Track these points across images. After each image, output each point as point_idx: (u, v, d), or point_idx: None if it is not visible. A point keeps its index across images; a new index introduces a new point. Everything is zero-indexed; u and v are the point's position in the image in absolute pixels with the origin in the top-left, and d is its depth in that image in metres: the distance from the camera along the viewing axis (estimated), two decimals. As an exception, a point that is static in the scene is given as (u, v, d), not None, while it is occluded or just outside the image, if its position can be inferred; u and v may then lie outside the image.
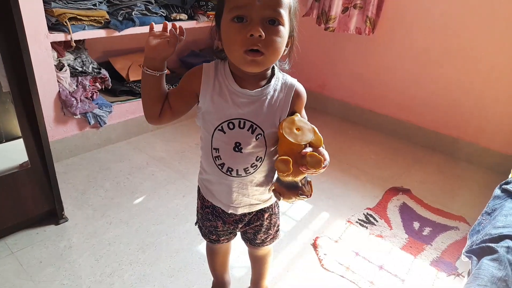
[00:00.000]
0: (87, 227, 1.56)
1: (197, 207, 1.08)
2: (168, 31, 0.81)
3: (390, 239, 1.64)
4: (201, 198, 1.04)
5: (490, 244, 0.96)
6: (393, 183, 2.07)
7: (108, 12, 1.94)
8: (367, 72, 2.67)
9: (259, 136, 0.84)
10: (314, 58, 2.87)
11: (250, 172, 0.89)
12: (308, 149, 0.79)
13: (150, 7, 2.10)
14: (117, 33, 1.97)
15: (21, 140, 1.41)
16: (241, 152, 0.85)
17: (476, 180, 2.17)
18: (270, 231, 1.07)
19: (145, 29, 2.09)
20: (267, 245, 1.11)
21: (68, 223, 1.57)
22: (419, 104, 2.48)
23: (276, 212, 1.07)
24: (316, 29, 2.66)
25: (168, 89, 0.88)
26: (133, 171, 1.98)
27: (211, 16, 2.39)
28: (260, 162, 0.88)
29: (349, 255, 1.53)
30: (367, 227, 1.70)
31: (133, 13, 2.02)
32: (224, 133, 0.84)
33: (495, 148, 2.24)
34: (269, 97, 0.84)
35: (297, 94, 0.87)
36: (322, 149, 0.82)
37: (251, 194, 0.94)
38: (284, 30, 0.76)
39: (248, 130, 0.84)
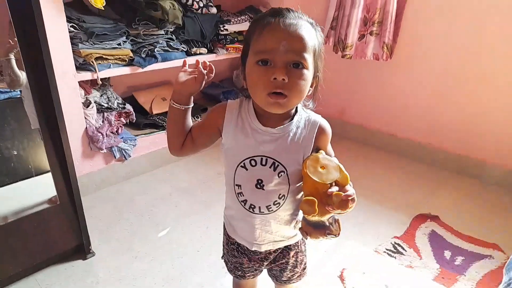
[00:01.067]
0: (113, 262, 1.58)
1: (223, 242, 1.08)
2: (197, 69, 0.84)
3: (421, 269, 1.58)
4: (226, 234, 1.03)
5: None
6: (419, 209, 2.01)
7: (131, 50, 2.02)
8: (387, 97, 2.66)
9: (282, 173, 0.84)
10: (333, 84, 2.88)
11: (272, 210, 0.88)
12: (334, 188, 0.77)
13: (171, 43, 2.18)
14: (140, 70, 2.05)
15: (49, 175, 1.45)
16: (263, 190, 0.85)
17: (506, 205, 2.08)
18: (296, 269, 1.05)
19: (167, 64, 2.16)
20: (293, 282, 1.09)
21: (95, 258, 1.59)
22: (441, 127, 2.44)
23: (303, 250, 1.05)
24: (333, 56, 2.68)
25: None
26: (157, 202, 2.00)
27: (230, 49, 2.45)
28: (283, 200, 0.87)
29: (379, 287, 1.48)
30: (395, 257, 1.65)
31: (155, 50, 2.10)
32: (246, 170, 0.85)
33: (525, 171, 2.16)
34: (291, 134, 0.84)
35: (321, 131, 0.86)
36: (349, 187, 0.79)
37: (274, 231, 0.93)
38: (308, 73, 0.76)
39: (270, 167, 0.84)
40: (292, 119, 0.85)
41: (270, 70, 0.73)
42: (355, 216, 1.93)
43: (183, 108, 0.86)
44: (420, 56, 2.41)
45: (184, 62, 0.87)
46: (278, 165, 0.83)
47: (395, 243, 1.74)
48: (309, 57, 0.75)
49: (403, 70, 2.51)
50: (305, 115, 0.87)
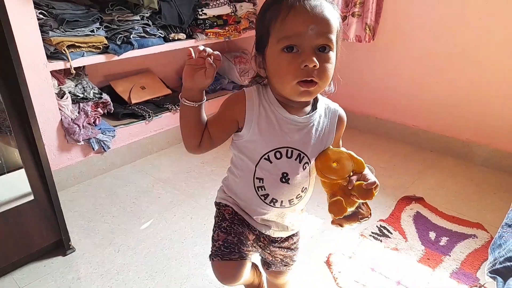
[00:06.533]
0: (95, 256, 1.53)
1: (217, 222, 0.93)
2: (206, 61, 0.73)
3: (406, 251, 1.58)
4: (222, 211, 0.92)
5: (516, 263, 0.90)
6: (404, 191, 2.01)
7: (106, 37, 1.94)
8: (370, 79, 2.64)
9: (306, 165, 0.81)
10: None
11: (294, 203, 0.86)
12: (354, 178, 0.76)
13: (148, 29, 2.10)
14: (116, 57, 1.97)
15: (23, 171, 1.39)
16: (289, 183, 0.82)
17: (491, 184, 2.10)
18: (295, 253, 1.05)
19: (145, 51, 2.09)
20: (289, 269, 1.08)
21: (76, 253, 1.54)
22: (425, 108, 2.43)
23: (299, 235, 1.05)
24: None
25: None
26: (139, 194, 1.96)
27: (209, 34, 2.38)
28: (305, 192, 0.85)
29: (365, 271, 1.48)
30: (381, 240, 1.65)
31: (131, 36, 2.02)
32: (271, 162, 0.81)
33: (509, 149, 2.18)
34: (315, 123, 0.81)
35: (340, 120, 0.85)
36: (369, 173, 0.79)
37: (288, 221, 0.92)
38: (333, 55, 0.73)
39: (295, 159, 0.80)
40: (314, 106, 0.82)
41: (299, 57, 0.69)
42: (340, 200, 1.92)
43: (196, 105, 0.78)
44: (402, 37, 2.39)
45: (189, 52, 0.74)
46: (303, 157, 0.80)
47: (380, 226, 1.74)
48: (334, 39, 0.72)
49: (386, 52, 2.49)
50: (324, 102, 0.85)
